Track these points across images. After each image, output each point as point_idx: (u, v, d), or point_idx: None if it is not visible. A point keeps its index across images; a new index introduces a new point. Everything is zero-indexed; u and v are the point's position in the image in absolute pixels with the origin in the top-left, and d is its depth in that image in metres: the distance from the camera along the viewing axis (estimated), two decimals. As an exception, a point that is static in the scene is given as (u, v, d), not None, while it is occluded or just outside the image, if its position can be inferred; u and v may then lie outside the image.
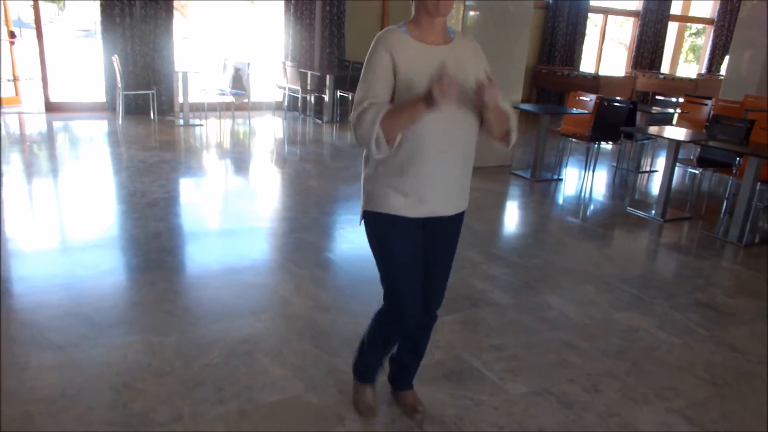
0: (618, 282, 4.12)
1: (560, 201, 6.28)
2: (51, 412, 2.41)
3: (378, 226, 2.21)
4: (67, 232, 4.51)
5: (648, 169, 7.99)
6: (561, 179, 7.07)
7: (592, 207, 6.18)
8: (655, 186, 6.99)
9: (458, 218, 2.31)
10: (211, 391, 2.62)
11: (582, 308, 3.68)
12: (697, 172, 6.38)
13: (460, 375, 2.88)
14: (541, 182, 6.88)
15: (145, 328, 3.11)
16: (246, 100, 9.44)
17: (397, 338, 2.43)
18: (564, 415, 2.63)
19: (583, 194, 6.61)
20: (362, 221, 2.26)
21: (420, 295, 2.27)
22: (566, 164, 7.69)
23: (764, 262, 4.80)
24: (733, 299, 4.04)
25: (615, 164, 7.83)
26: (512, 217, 5.84)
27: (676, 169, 5.81)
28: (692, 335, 3.45)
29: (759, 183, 5.30)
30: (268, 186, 6.23)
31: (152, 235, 4.41)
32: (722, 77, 10.76)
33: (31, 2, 8.74)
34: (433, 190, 2.14)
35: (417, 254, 2.24)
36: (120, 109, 8.81)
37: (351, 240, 4.62)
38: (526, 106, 7.67)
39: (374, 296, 3.62)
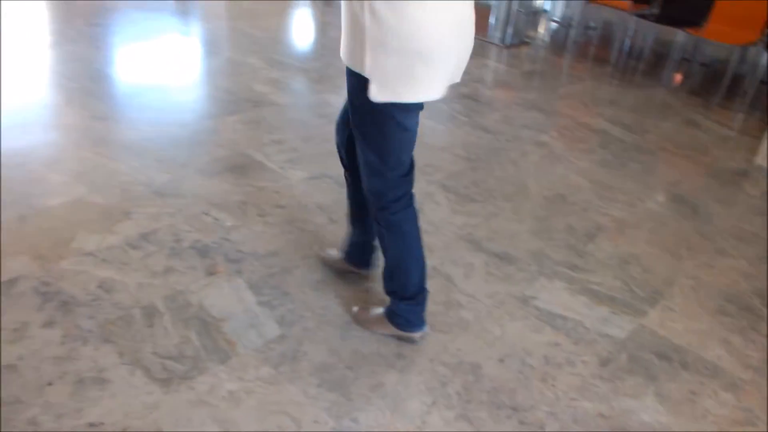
0: (393, 81, 4.41)
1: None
2: None
3: None
4: None
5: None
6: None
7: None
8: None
9: None
10: (-18, 201, 2.54)
11: (359, 104, 3.95)
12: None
13: (243, 168, 3.04)
14: (324, -9, 6.84)
15: None
16: None
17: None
18: (339, 193, 2.93)
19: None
20: None
21: None
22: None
23: (520, 61, 5.39)
24: (491, 91, 4.55)
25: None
26: (294, 26, 5.83)
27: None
28: (454, 121, 3.90)
29: (519, -13, 5.76)
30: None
31: None
32: None
33: None
34: None
35: None
36: None
37: (122, 51, 4.38)
38: None
39: (152, 103, 3.58)
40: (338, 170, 3.13)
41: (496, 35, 5.71)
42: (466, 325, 2.21)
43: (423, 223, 2.83)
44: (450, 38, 1.60)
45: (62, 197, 2.63)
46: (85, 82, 3.78)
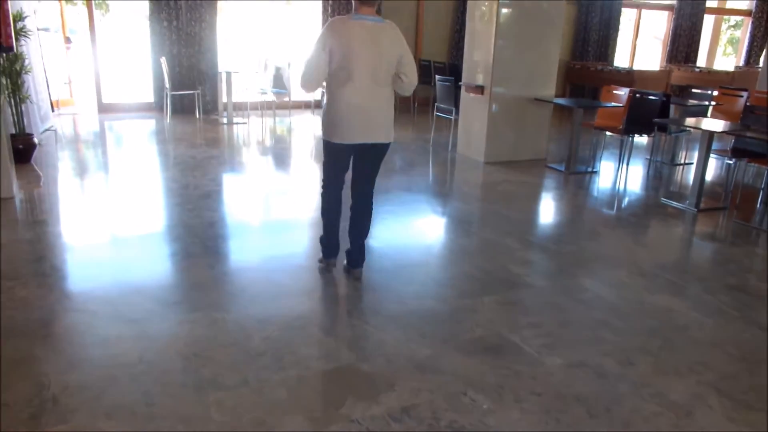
0: (651, 267, 4.27)
1: (594, 192, 6.42)
2: (132, 375, 2.70)
3: None
4: (128, 222, 4.82)
5: (683, 161, 8.03)
6: (595, 172, 7.19)
7: (626, 198, 6.30)
8: (690, 178, 7.06)
9: None
10: (272, 359, 2.87)
11: (616, 291, 3.85)
12: (731, 162, 6.45)
13: (499, 349, 3.08)
14: (575, 174, 7.01)
15: (208, 306, 3.38)
16: (286, 99, 9.76)
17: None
18: (599, 385, 2.81)
19: (617, 186, 6.73)
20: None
21: None
22: (600, 157, 7.81)
23: (798, 250, 4.89)
24: (765, 283, 4.16)
25: (649, 157, 7.92)
26: (547, 208, 6.00)
27: (712, 160, 5.90)
28: (723, 316, 3.60)
29: (793, 172, 5.38)
30: (309, 179, 6.49)
31: (207, 224, 4.70)
32: (760, 69, 10.71)
33: (84, 8, 9.17)
34: None
35: None
36: (167, 108, 9.21)
37: (391, 228, 4.85)
38: (560, 101, 7.79)
39: (416, 277, 3.87)
40: (598, 359, 3.06)
41: (767, 221, 5.30)
42: None
43: (694, 427, 2.58)
44: (350, 115, 3.37)
45: (335, 362, 2.89)
46: (358, 255, 4.23)
